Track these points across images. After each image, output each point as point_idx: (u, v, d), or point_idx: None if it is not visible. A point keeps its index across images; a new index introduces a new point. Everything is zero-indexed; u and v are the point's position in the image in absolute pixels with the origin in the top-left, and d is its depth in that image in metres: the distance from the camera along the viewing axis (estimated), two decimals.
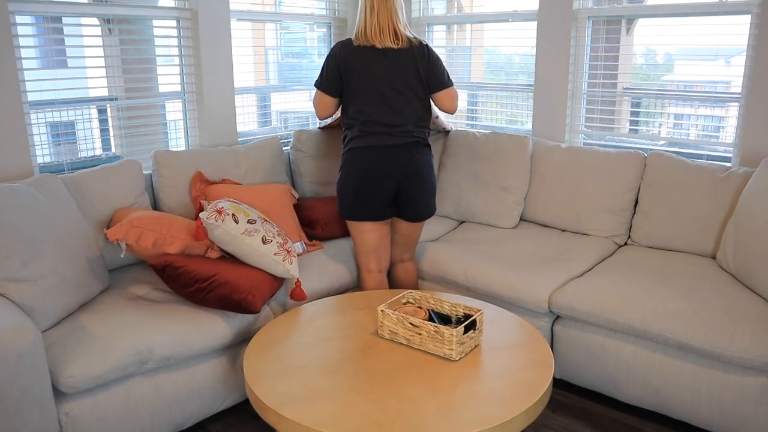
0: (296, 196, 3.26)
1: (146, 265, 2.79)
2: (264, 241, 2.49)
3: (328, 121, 3.38)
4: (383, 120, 2.65)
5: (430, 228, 3.36)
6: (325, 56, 2.80)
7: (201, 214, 2.44)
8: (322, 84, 2.76)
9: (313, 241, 3.13)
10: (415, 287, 3.01)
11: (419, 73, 2.68)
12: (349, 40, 2.73)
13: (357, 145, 2.67)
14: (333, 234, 3.18)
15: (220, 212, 2.45)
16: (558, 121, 3.52)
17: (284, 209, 3.03)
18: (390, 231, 2.87)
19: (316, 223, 3.13)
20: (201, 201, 2.90)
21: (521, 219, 3.44)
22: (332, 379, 1.88)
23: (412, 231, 2.87)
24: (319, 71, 2.79)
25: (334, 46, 2.76)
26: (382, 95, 2.65)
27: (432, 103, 2.81)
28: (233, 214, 2.48)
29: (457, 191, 3.49)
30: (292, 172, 3.56)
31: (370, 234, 2.79)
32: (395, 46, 2.66)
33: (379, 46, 2.66)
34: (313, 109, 2.85)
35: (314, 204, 3.26)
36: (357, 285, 3.00)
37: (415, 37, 2.72)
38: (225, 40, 3.31)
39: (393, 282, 3.02)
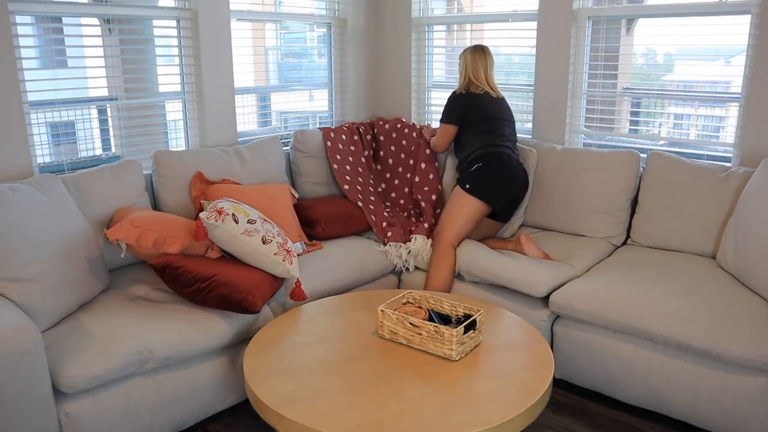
0: (296, 195, 3.26)
1: (146, 265, 2.79)
2: (264, 241, 2.49)
3: None
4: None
5: None
6: None
7: (201, 214, 2.44)
8: None
9: (313, 241, 3.13)
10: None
11: None
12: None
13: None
14: (333, 234, 3.18)
15: (220, 212, 2.45)
16: (558, 121, 3.52)
17: (284, 209, 3.03)
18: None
19: (316, 223, 3.13)
20: (201, 201, 2.90)
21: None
22: (332, 379, 1.88)
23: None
24: None
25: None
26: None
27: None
28: (233, 214, 2.48)
29: None
30: (292, 172, 3.56)
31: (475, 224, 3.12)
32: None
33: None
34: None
35: (314, 204, 3.26)
36: (357, 285, 3.00)
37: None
38: (225, 40, 3.31)
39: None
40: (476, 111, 3.21)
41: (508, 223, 3.31)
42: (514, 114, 3.35)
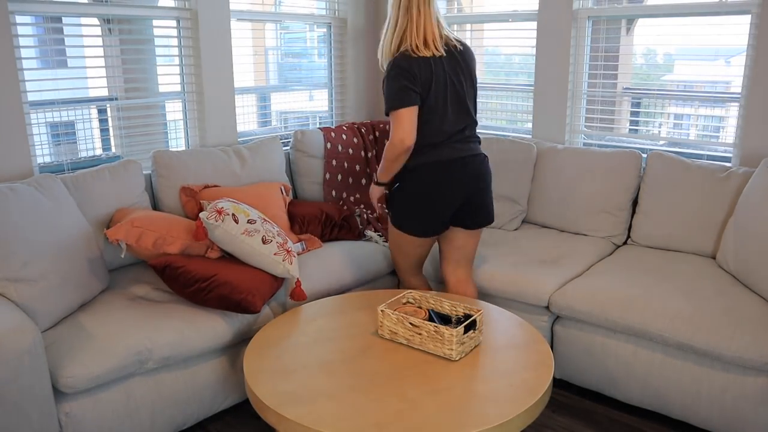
0: (286, 193, 3.23)
1: (146, 265, 2.79)
2: (264, 241, 2.49)
3: None
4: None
5: None
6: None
7: (201, 214, 2.44)
8: None
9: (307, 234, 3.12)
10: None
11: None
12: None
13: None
14: (311, 232, 3.13)
15: (220, 212, 2.45)
16: (558, 121, 3.52)
17: (276, 208, 3.01)
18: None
19: (294, 220, 3.09)
20: (201, 201, 2.90)
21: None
22: (332, 379, 1.88)
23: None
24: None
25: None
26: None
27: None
28: (233, 214, 2.48)
29: None
30: (292, 172, 3.56)
31: (424, 246, 2.65)
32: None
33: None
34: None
35: (299, 202, 3.25)
36: (357, 285, 3.00)
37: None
38: (225, 40, 3.31)
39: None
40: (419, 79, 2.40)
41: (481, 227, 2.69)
42: (514, 114, 3.33)
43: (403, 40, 2.44)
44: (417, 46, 2.41)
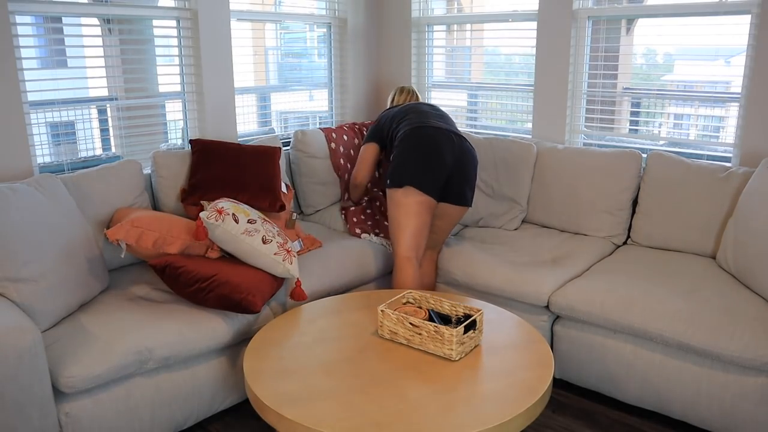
0: (287, 193, 3.24)
1: (146, 265, 2.79)
2: (264, 241, 2.49)
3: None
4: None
5: None
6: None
7: (201, 214, 2.44)
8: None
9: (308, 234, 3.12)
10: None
11: None
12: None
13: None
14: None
15: (220, 212, 2.45)
16: (558, 121, 3.52)
17: None
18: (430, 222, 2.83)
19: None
20: (201, 201, 2.90)
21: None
22: (332, 379, 1.88)
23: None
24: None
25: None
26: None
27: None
28: (233, 214, 2.48)
29: None
30: (292, 172, 3.56)
31: (420, 216, 2.74)
32: None
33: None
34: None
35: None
36: (357, 285, 3.00)
37: None
38: (225, 40, 3.31)
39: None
40: (393, 116, 3.06)
41: (469, 206, 2.89)
42: (514, 114, 3.35)
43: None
44: None
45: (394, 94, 3.44)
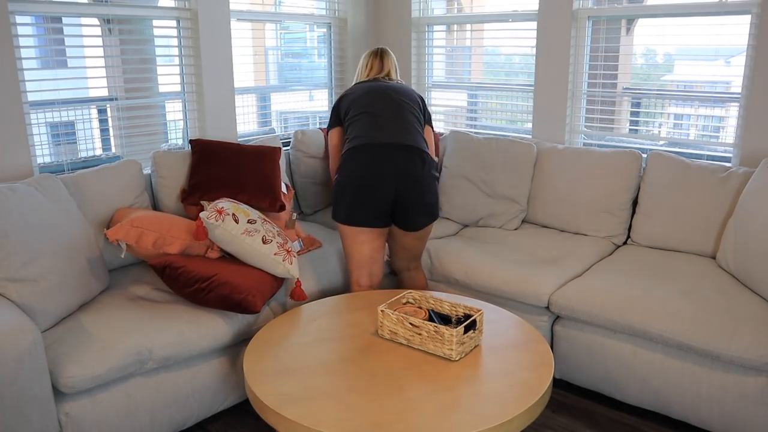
0: (287, 194, 3.24)
1: (146, 265, 2.79)
2: (264, 241, 2.49)
3: None
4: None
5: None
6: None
7: (201, 214, 2.44)
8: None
9: (308, 235, 3.12)
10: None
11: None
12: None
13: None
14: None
15: (220, 212, 2.45)
16: (558, 121, 3.52)
17: None
18: (384, 244, 2.74)
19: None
20: (201, 201, 2.90)
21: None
22: (332, 379, 1.88)
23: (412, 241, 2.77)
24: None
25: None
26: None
27: None
28: (233, 214, 2.48)
29: (460, 196, 3.48)
30: (292, 172, 3.56)
31: (365, 244, 2.65)
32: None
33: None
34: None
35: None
36: None
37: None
38: (225, 40, 3.31)
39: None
40: (349, 105, 2.75)
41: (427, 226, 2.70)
42: (514, 114, 3.33)
43: None
44: None
45: (365, 62, 2.95)
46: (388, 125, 2.61)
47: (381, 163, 2.52)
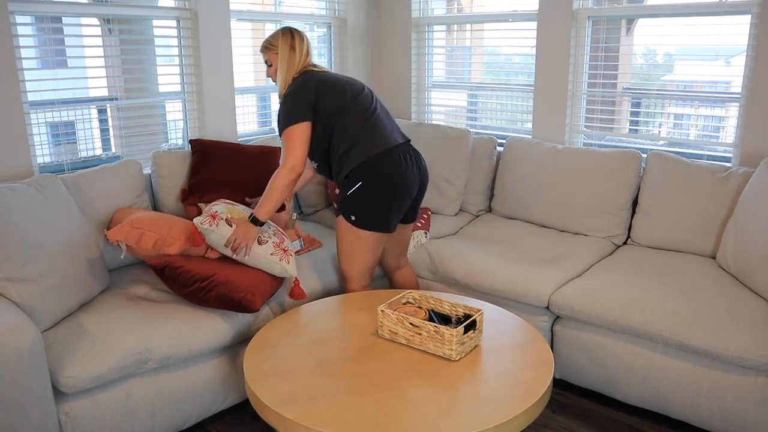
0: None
1: (146, 265, 2.79)
2: (260, 242, 2.49)
3: None
4: None
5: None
6: None
7: (195, 220, 2.44)
8: None
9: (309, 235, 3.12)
10: (418, 288, 3.01)
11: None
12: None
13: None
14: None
15: (213, 216, 2.45)
16: (558, 121, 3.52)
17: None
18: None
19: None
20: (198, 204, 2.90)
21: (520, 220, 3.44)
22: (332, 379, 1.88)
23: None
24: None
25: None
26: None
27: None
28: (227, 218, 2.47)
29: None
30: None
31: (379, 249, 2.63)
32: None
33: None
34: None
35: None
36: None
37: None
38: (225, 40, 3.31)
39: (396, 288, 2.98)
40: (333, 93, 2.46)
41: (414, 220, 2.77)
42: (515, 114, 3.34)
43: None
44: None
45: (299, 48, 2.55)
46: (391, 123, 2.62)
47: (411, 165, 2.54)
